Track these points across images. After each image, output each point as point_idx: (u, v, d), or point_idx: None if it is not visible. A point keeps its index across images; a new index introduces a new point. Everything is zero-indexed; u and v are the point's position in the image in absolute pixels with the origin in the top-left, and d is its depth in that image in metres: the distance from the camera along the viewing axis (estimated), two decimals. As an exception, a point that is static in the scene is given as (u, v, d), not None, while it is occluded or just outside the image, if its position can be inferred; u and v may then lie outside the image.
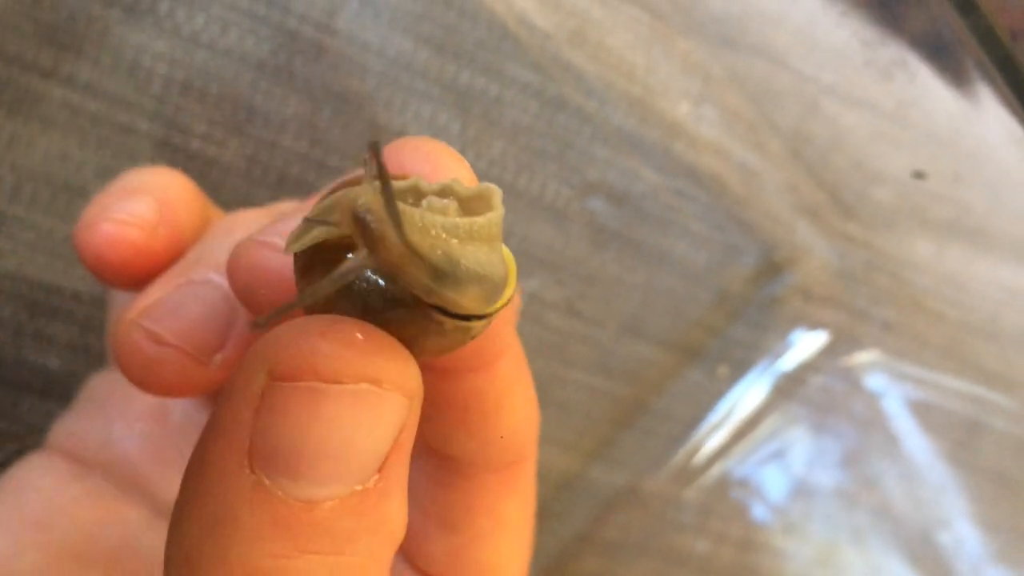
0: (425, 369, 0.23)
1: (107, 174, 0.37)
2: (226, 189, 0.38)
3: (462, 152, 0.40)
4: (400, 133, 0.39)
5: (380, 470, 0.20)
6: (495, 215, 0.21)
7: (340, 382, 0.19)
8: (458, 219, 0.20)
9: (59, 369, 0.37)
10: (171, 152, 0.37)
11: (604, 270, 0.42)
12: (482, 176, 0.40)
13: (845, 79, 0.42)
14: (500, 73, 0.40)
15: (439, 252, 0.20)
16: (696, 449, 0.46)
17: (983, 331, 0.47)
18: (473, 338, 0.21)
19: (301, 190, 0.38)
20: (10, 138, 0.36)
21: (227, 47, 0.37)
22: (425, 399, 0.23)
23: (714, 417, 0.46)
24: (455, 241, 0.20)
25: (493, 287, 0.20)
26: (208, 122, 0.37)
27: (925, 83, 0.38)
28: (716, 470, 0.46)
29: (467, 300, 0.20)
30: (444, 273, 0.20)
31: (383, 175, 0.18)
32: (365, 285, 0.20)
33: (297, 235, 0.21)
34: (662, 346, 0.44)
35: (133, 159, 0.37)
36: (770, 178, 0.43)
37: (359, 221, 0.19)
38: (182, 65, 0.37)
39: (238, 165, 0.38)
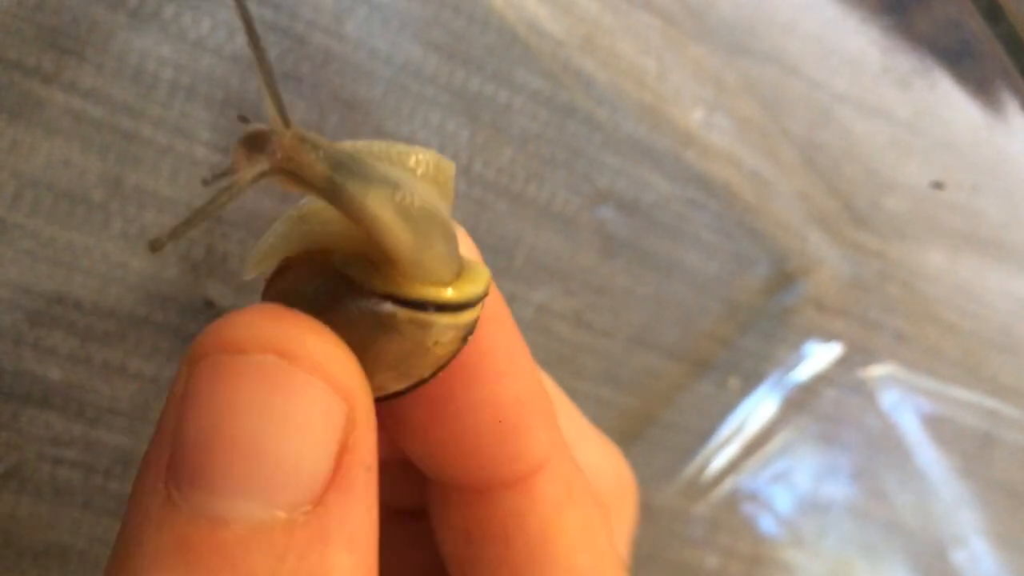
0: (453, 489, 0.21)
1: (110, 181, 0.36)
2: (231, 197, 0.37)
3: (470, 160, 0.39)
4: (408, 140, 0.38)
5: (316, 502, 0.16)
6: (433, 155, 0.19)
7: (243, 351, 0.16)
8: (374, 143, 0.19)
9: (60, 380, 0.37)
10: (175, 159, 0.36)
11: (613, 280, 0.42)
12: (490, 184, 0.40)
13: (860, 87, 0.41)
14: (509, 80, 0.39)
15: (339, 148, 0.18)
16: (706, 463, 0.45)
17: (997, 343, 0.46)
18: (438, 345, 0.19)
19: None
20: (11, 144, 0.35)
21: (233, 52, 0.36)
22: (458, 528, 0.21)
23: (724, 430, 0.45)
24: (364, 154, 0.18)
25: (425, 217, 0.18)
26: (213, 128, 0.36)
27: (945, 91, 0.37)
28: (726, 484, 0.46)
29: (376, 204, 0.18)
30: (344, 161, 0.18)
31: (250, 32, 0.17)
32: (311, 287, 0.19)
33: (255, 258, 0.19)
34: (672, 357, 0.43)
35: (137, 166, 0.36)
36: (782, 187, 0.42)
37: (245, 136, 0.18)
38: (187, 70, 0.36)
39: (243, 172, 0.37)
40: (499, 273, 0.40)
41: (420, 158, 0.19)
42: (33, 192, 0.35)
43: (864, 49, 0.39)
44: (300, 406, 0.16)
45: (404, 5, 0.38)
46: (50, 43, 0.35)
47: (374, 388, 0.19)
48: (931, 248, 0.44)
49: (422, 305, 0.19)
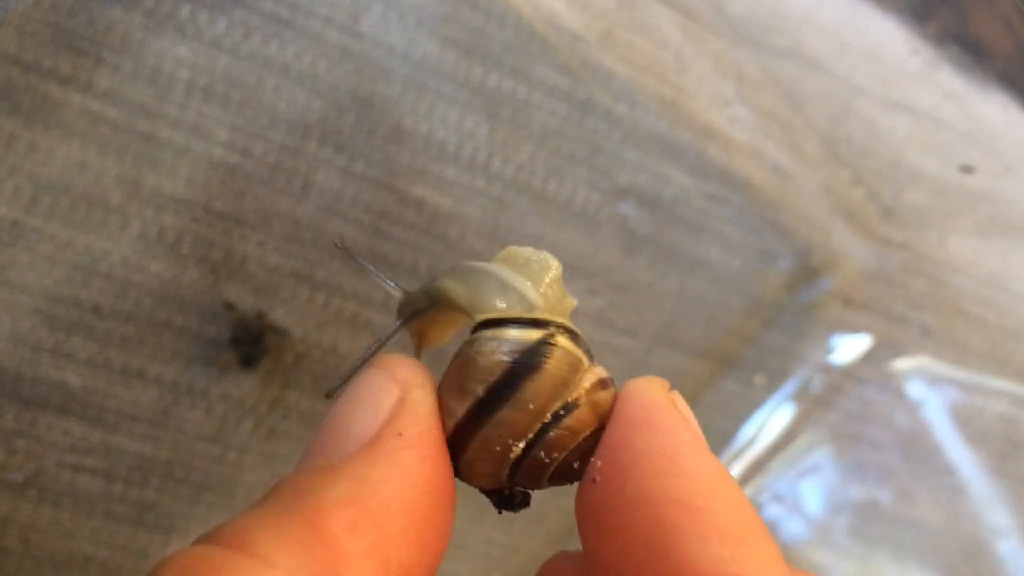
0: None
1: (128, 183, 0.36)
2: (249, 197, 0.37)
3: (489, 157, 0.39)
4: (426, 139, 0.38)
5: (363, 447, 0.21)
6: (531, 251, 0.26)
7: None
8: None
9: (79, 386, 0.36)
10: (193, 160, 0.36)
11: (636, 277, 0.41)
12: (510, 181, 0.39)
13: (883, 76, 0.41)
14: (528, 76, 0.39)
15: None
16: (732, 462, 0.44)
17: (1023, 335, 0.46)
18: (480, 354, 0.23)
19: (325, 198, 0.37)
20: (28, 147, 0.35)
21: (250, 51, 0.36)
22: None
23: (750, 429, 0.44)
24: None
25: (473, 272, 0.24)
26: (231, 128, 0.36)
27: (973, 71, 0.37)
28: (752, 485, 0.45)
29: (442, 282, 0.25)
30: (429, 281, 0.25)
31: (349, 254, 0.28)
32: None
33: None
34: (696, 355, 0.43)
35: (155, 168, 0.36)
36: (806, 180, 0.42)
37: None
38: (204, 70, 0.36)
39: (262, 172, 0.37)
40: (520, 271, 0.39)
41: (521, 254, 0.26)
42: (50, 195, 0.35)
43: (889, 32, 0.38)
44: (364, 388, 0.22)
45: (420, 1, 0.37)
46: (67, 45, 0.34)
47: (447, 415, 0.23)
48: (957, 237, 0.43)
49: (476, 328, 0.23)
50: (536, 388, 0.22)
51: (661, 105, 0.40)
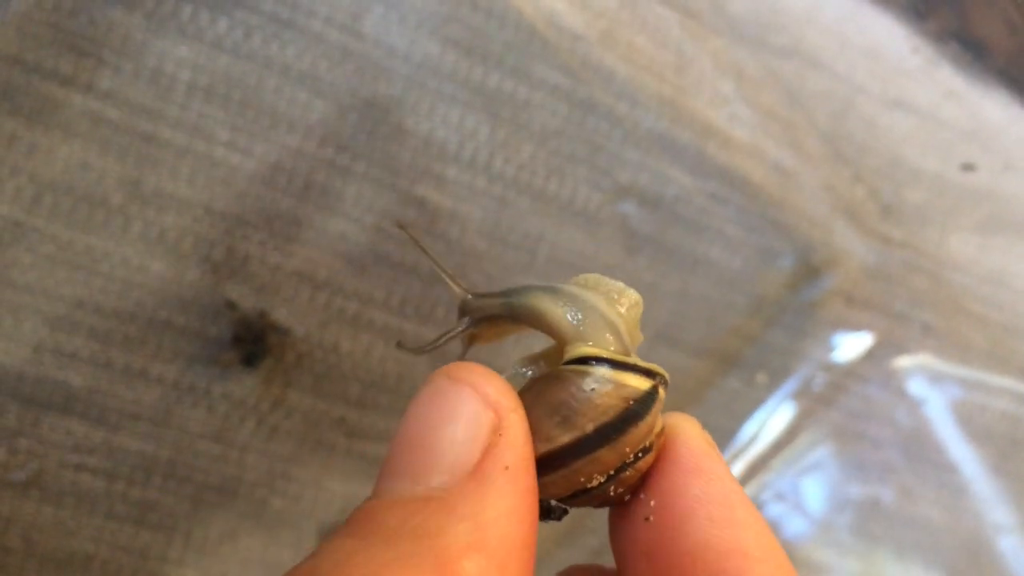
0: None
1: (129, 184, 0.36)
2: (250, 197, 0.37)
3: (491, 157, 0.39)
4: (427, 139, 0.38)
5: (452, 485, 0.20)
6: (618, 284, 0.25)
7: (429, 381, 0.21)
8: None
9: (81, 386, 0.36)
10: (194, 160, 0.36)
11: (637, 276, 0.41)
12: (511, 181, 0.39)
13: (883, 74, 0.41)
14: (529, 75, 0.39)
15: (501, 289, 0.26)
16: (733, 461, 0.44)
17: (1026, 334, 0.46)
18: (594, 392, 0.23)
19: (327, 198, 0.37)
20: (29, 147, 0.35)
21: (251, 52, 0.36)
22: None
23: (752, 427, 0.44)
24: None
25: (574, 298, 0.24)
26: (232, 129, 0.36)
27: (973, 69, 0.37)
28: (754, 483, 0.45)
29: (534, 299, 0.24)
30: (508, 289, 0.25)
31: (418, 243, 0.28)
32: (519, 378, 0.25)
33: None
34: (698, 354, 0.43)
35: (156, 168, 0.36)
36: (806, 179, 0.42)
37: (458, 308, 0.27)
38: (205, 71, 0.36)
39: (263, 173, 0.37)
40: (521, 270, 0.39)
41: (608, 284, 0.25)
42: (52, 196, 0.35)
43: (889, 31, 0.38)
44: (453, 408, 0.21)
45: (421, 2, 0.37)
46: (68, 45, 0.34)
47: (542, 439, 0.23)
48: (958, 235, 0.43)
49: (583, 360, 0.23)
50: (636, 434, 0.23)
51: (661, 104, 0.40)
